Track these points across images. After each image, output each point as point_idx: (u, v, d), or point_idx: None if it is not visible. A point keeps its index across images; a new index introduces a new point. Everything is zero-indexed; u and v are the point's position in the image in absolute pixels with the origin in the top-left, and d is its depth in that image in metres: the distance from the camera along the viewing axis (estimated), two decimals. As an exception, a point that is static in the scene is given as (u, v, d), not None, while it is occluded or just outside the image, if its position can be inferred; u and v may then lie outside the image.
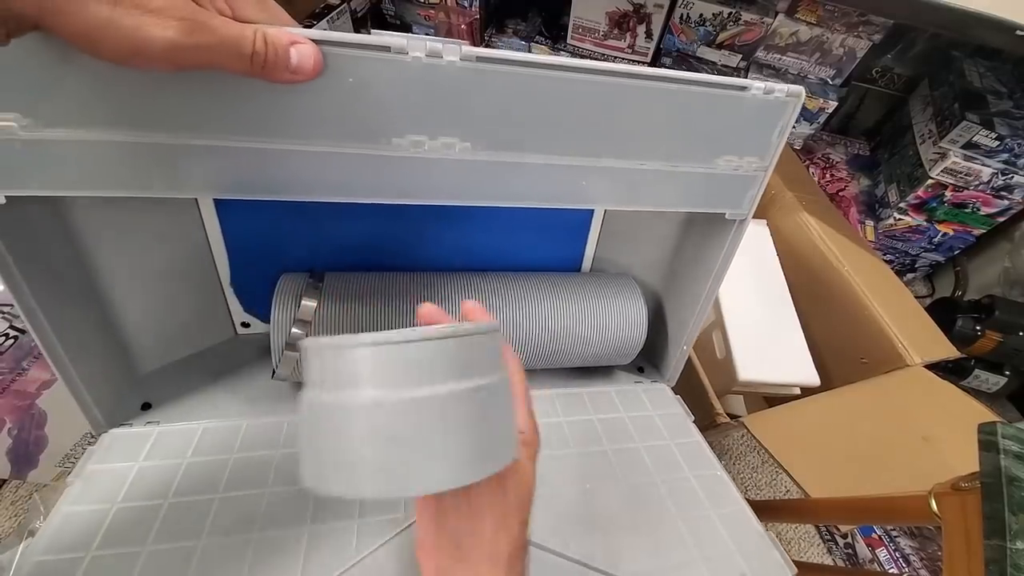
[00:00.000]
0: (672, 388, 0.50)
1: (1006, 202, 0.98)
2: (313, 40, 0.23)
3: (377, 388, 0.18)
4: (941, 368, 0.87)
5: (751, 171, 0.34)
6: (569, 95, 0.28)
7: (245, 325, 0.45)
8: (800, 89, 0.31)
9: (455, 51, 0.25)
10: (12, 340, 0.68)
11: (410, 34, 0.24)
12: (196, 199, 0.37)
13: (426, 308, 0.25)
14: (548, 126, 0.29)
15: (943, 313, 1.03)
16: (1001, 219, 1.01)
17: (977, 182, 0.96)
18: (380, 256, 0.44)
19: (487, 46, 1.15)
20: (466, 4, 1.08)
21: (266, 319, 0.45)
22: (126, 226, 0.35)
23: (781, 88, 0.30)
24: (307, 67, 0.22)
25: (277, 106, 0.24)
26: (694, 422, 0.46)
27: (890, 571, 0.82)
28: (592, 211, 0.47)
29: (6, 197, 0.24)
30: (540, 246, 0.48)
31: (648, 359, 0.52)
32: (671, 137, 0.31)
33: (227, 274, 0.41)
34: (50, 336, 0.31)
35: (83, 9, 0.17)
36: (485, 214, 0.44)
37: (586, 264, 0.50)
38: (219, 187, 0.26)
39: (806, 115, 1.08)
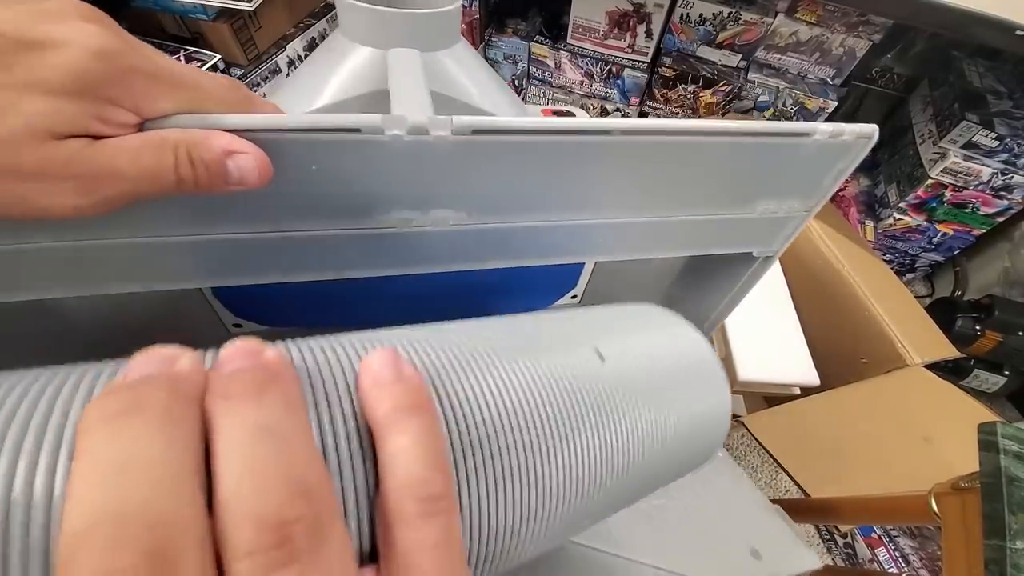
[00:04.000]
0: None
1: (1006, 202, 0.98)
2: (261, 128, 0.18)
3: None
4: (941, 368, 0.87)
5: (789, 213, 0.30)
6: (586, 159, 0.24)
7: (237, 326, 0.45)
8: (873, 128, 0.26)
9: (445, 125, 0.21)
10: (12, 340, 0.68)
11: (386, 115, 0.20)
12: None
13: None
14: (558, 190, 0.25)
15: (943, 313, 1.03)
16: (1001, 219, 1.01)
17: (977, 182, 0.96)
18: (355, 296, 0.42)
19: (487, 46, 1.15)
20: (466, 4, 1.08)
21: (258, 321, 0.44)
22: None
23: (851, 129, 0.26)
24: (251, 179, 0.18)
25: (233, 197, 0.21)
26: None
27: (890, 571, 0.82)
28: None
29: None
30: (531, 280, 0.45)
31: None
32: (700, 191, 0.27)
33: (208, 289, 0.40)
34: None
35: None
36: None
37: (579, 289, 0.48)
38: (193, 278, 0.24)
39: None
